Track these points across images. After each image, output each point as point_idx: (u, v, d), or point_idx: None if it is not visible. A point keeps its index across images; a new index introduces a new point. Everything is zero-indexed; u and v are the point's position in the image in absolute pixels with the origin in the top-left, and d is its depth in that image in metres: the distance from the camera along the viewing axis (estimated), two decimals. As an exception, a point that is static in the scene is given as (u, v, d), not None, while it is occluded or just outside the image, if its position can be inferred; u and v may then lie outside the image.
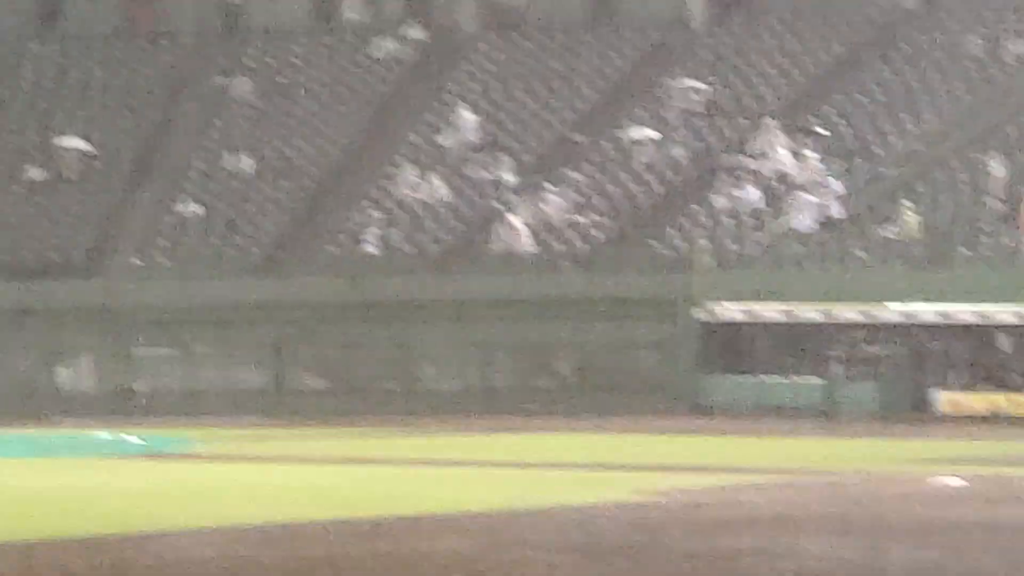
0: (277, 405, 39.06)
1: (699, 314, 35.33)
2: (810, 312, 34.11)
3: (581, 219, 39.86)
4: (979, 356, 33.65)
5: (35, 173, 47.47)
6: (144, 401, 40.75)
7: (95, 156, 48.91)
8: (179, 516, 16.95)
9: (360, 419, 35.98)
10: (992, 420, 32.37)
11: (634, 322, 36.48)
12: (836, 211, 37.45)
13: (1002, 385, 32.62)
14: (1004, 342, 32.87)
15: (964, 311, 33.35)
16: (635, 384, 36.22)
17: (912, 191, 36.97)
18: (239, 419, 36.52)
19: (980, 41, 42.38)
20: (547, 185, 41.38)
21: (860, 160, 39.95)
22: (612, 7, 49.42)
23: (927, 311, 33.75)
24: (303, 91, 50.53)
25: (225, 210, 45.27)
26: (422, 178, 42.18)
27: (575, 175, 41.89)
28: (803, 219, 36.54)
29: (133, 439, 33.19)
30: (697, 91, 42.90)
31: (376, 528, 15.37)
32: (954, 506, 18.57)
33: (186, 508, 18.49)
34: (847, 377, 34.54)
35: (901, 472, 24.44)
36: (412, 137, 45.26)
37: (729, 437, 30.85)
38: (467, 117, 44.01)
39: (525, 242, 39.80)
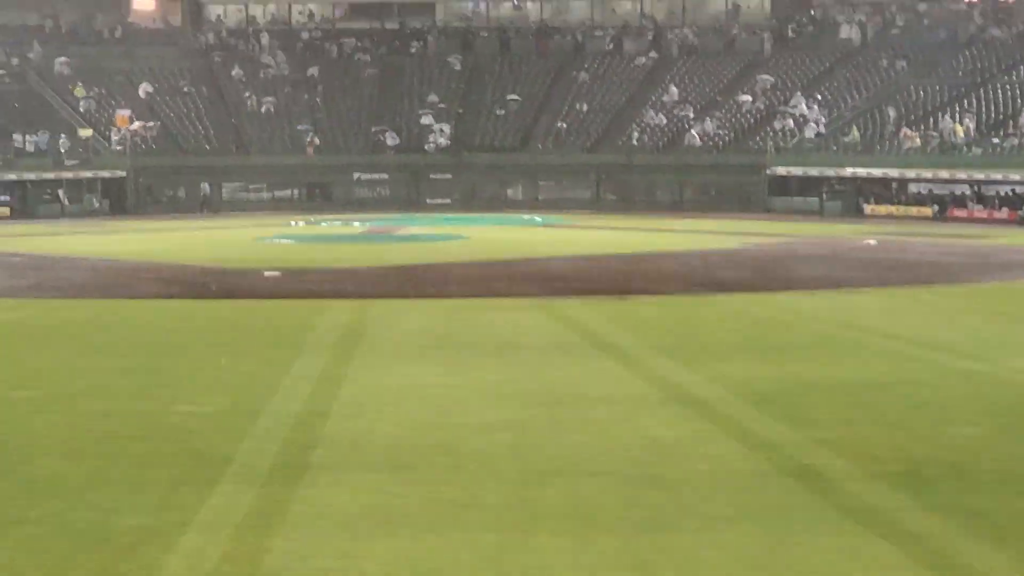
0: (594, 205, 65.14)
1: (770, 171, 63.52)
2: (813, 172, 62.00)
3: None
4: (883, 190, 61.13)
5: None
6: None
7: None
8: (555, 250, 39.91)
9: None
10: (888, 217, 57.33)
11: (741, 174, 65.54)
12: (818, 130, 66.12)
13: (892, 202, 60.44)
14: (891, 185, 60.53)
15: (876, 172, 60.24)
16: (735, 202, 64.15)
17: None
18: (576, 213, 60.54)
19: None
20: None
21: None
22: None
23: (862, 172, 60.51)
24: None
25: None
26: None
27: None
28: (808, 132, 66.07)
29: (537, 218, 57.07)
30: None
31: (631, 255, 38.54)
32: (872, 251, 38.32)
33: (557, 247, 39.94)
34: (827, 198, 61.82)
35: (850, 236, 44.88)
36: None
37: (776, 223, 52.96)
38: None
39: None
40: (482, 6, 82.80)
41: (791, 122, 67.08)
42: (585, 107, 71.23)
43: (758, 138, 67.22)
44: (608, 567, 7.72)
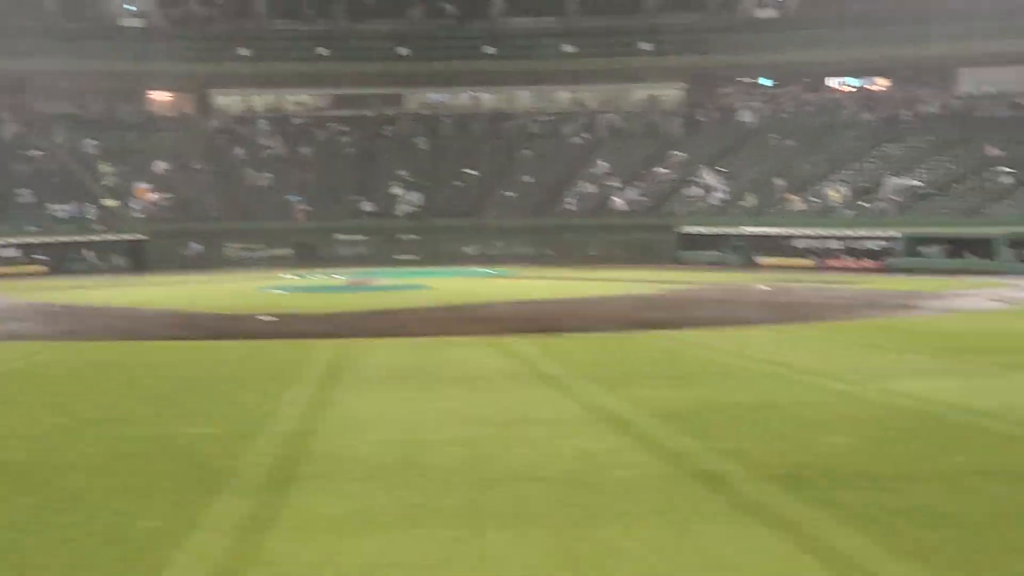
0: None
1: (681, 230, 65.07)
2: (716, 230, 62.81)
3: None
4: (773, 245, 60.73)
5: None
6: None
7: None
8: (503, 296, 40.24)
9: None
10: (777, 267, 56.68)
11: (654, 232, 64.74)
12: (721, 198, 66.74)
13: (780, 255, 59.37)
14: (779, 241, 60.44)
15: (768, 230, 61.05)
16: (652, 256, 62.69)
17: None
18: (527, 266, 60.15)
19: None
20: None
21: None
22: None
23: (756, 230, 61.30)
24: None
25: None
26: None
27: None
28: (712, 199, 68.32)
29: (490, 270, 55.63)
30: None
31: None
32: (764, 295, 38.76)
33: (505, 294, 40.18)
34: (727, 252, 61.80)
35: (745, 283, 44.81)
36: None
37: (686, 272, 53.23)
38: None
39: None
40: (444, 97, 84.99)
41: (699, 190, 69.64)
42: (530, 179, 73.69)
43: (671, 203, 69.82)
44: (544, 555, 7.85)
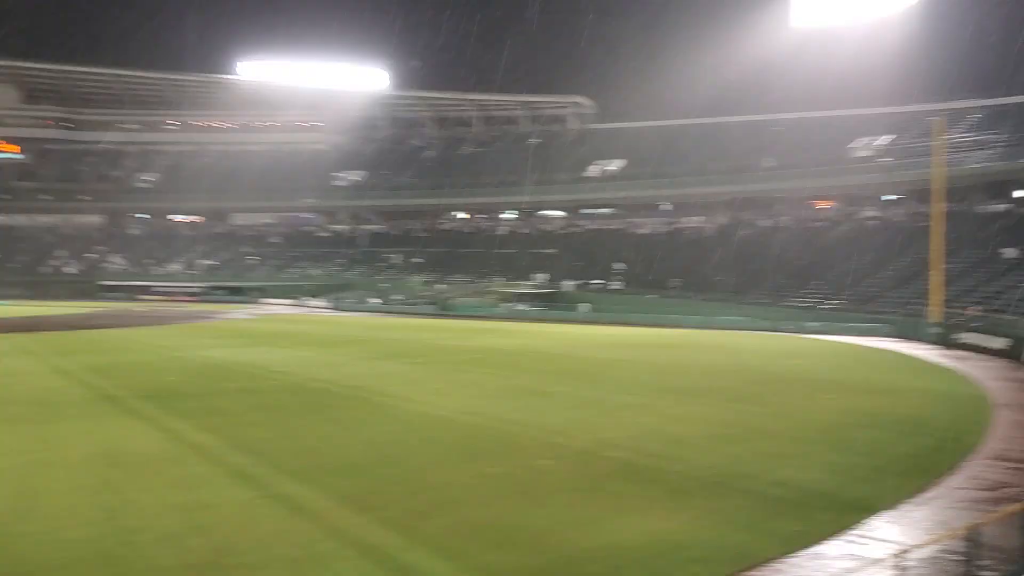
0: None
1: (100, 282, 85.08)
2: (118, 283, 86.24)
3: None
4: (145, 291, 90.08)
5: None
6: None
7: None
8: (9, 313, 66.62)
9: None
10: (153, 301, 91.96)
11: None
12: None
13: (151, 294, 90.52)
14: (147, 288, 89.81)
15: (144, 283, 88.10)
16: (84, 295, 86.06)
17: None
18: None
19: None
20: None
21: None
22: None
23: (136, 283, 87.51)
24: None
25: None
26: None
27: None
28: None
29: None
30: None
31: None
32: (142, 313, 77.76)
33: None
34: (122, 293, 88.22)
35: (130, 308, 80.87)
36: None
37: (102, 303, 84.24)
38: None
39: None
40: None
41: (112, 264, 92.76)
42: None
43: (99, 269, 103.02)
44: (26, 440, 20.39)
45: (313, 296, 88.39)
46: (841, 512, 13.04)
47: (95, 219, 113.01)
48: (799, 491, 14.30)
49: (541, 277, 79.07)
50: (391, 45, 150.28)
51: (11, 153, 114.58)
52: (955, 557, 10.51)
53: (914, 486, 14.59)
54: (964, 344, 41.12)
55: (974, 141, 65.68)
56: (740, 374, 30.87)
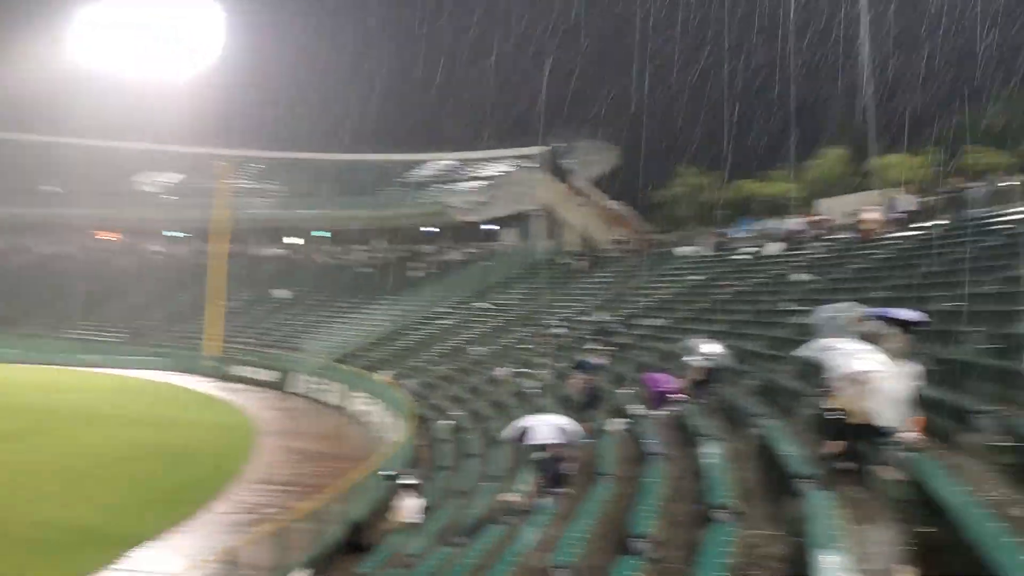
0: None
1: None
2: None
3: None
4: None
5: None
6: None
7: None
8: None
9: None
10: None
11: None
12: None
13: None
14: None
15: None
16: None
17: None
18: None
19: None
20: None
21: None
22: None
23: None
24: None
25: None
26: None
27: None
28: None
29: None
30: None
31: None
32: None
33: None
34: None
35: None
36: None
37: None
38: None
39: None
40: None
41: None
42: None
43: None
44: None
45: None
46: (104, 548, 12.73)
47: None
48: (61, 531, 13.58)
49: None
50: None
51: None
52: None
53: (181, 514, 14.99)
54: (238, 377, 43.68)
55: (255, 189, 70.85)
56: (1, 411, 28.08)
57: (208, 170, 67.92)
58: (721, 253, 35.17)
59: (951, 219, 25.03)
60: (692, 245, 38.11)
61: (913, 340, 11.20)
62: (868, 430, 8.03)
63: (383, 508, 15.91)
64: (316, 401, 35.81)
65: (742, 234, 37.71)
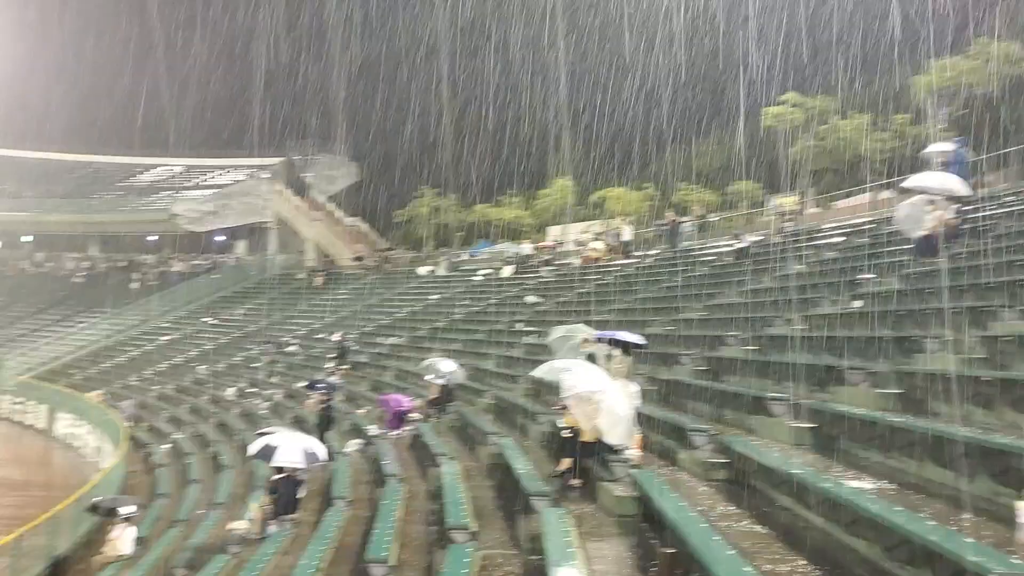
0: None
1: None
2: None
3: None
4: None
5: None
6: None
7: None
8: None
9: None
10: None
11: None
12: None
13: None
14: None
15: None
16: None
17: None
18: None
19: None
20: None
21: None
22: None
23: None
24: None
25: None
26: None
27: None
28: None
29: None
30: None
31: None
32: None
33: None
34: None
35: None
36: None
37: None
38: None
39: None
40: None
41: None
42: None
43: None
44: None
45: None
46: None
47: None
48: None
49: None
50: None
51: None
52: None
53: None
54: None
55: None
56: None
57: None
58: (458, 274, 35.82)
59: (665, 249, 27.13)
60: (430, 265, 38.52)
61: (635, 361, 11.97)
62: (598, 447, 8.44)
63: (93, 541, 14.52)
64: (16, 423, 32.29)
65: (479, 255, 38.68)
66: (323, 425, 16.29)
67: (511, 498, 8.48)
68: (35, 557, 13.76)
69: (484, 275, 33.29)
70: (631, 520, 7.04)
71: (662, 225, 29.48)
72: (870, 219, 20.27)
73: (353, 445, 14.98)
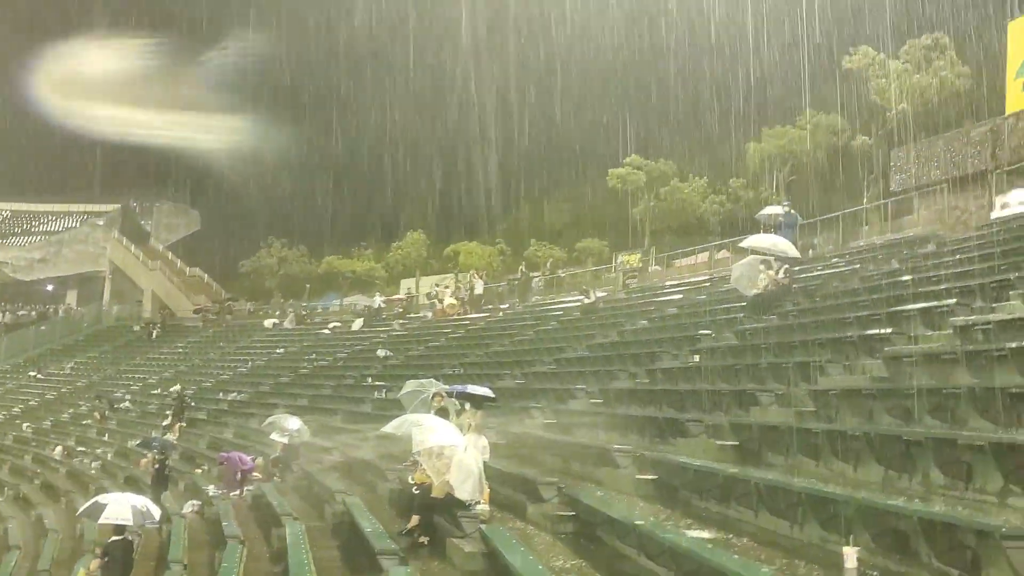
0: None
1: None
2: None
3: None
4: None
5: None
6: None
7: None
8: None
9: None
10: None
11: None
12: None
13: None
14: None
15: None
16: None
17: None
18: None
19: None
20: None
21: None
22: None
23: None
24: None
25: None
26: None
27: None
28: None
29: None
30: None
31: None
32: None
33: None
34: None
35: None
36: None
37: None
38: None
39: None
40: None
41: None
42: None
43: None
44: None
45: None
46: None
47: None
48: None
49: None
50: None
51: None
52: None
53: None
54: None
55: None
56: None
57: None
58: (305, 327, 35.06)
59: (516, 303, 27.52)
60: (275, 318, 37.54)
61: (485, 415, 12.00)
62: (448, 502, 8.38)
63: None
64: None
65: (328, 308, 38.00)
66: (158, 484, 15.51)
67: (357, 558, 8.28)
68: None
69: (333, 328, 32.71)
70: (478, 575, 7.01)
71: (513, 279, 29.92)
72: (707, 277, 21.29)
73: (190, 506, 14.29)
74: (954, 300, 9.72)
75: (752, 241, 15.40)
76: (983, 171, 17.64)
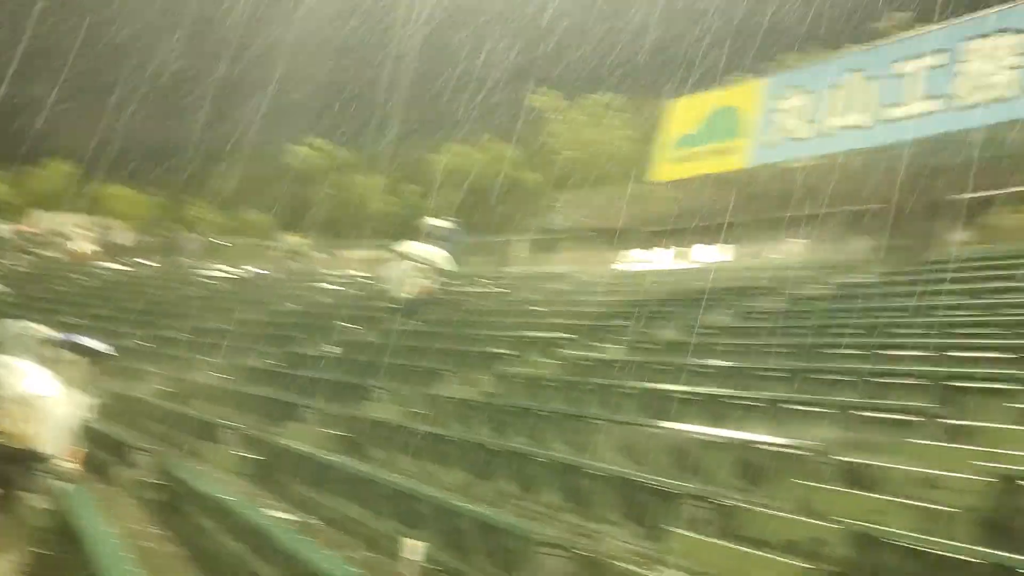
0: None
1: None
2: None
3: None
4: None
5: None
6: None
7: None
8: None
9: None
10: None
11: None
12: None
13: None
14: None
15: None
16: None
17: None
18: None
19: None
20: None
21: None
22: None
23: None
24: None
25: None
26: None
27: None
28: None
29: None
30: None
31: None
32: None
33: None
34: None
35: None
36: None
37: None
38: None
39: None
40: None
41: None
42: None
43: None
44: None
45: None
46: None
47: None
48: None
49: None
50: None
51: None
52: None
53: None
54: None
55: None
56: None
57: None
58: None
59: (164, 262, 26.12)
60: None
61: (96, 371, 11.30)
62: (25, 455, 7.79)
63: None
64: None
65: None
66: None
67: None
68: None
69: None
70: (45, 533, 6.64)
71: (166, 237, 28.43)
72: (368, 274, 21.64)
73: None
74: (572, 336, 10.79)
75: (410, 248, 15.95)
76: (624, 228, 19.72)
